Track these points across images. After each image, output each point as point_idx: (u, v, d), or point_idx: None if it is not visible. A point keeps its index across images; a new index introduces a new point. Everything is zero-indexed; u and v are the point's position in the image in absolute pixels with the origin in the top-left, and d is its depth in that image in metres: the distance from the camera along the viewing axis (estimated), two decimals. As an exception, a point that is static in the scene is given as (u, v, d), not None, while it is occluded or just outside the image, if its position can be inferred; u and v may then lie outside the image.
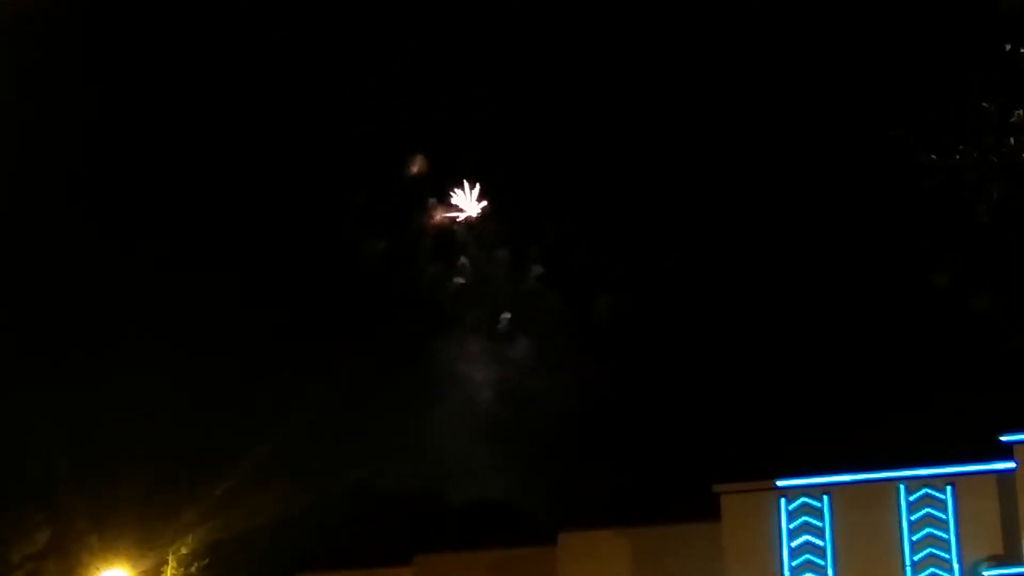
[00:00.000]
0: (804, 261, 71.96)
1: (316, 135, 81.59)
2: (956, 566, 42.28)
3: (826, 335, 70.03)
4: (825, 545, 44.47)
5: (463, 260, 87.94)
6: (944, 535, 42.69)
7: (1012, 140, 17.12)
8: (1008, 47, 17.48)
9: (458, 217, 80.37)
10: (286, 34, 75.42)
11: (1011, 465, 42.63)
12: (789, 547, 44.97)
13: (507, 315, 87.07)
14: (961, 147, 17.59)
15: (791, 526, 45.19)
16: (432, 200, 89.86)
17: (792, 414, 63.55)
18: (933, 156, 17.71)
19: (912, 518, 43.31)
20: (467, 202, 78.45)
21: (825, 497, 45.00)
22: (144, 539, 41.90)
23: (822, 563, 44.34)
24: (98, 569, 37.26)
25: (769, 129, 70.65)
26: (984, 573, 41.61)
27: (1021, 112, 17.17)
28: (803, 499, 45.29)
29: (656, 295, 79.06)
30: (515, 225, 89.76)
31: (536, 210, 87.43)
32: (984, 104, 17.53)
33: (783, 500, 45.53)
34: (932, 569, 42.58)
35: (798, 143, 68.43)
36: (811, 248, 72.69)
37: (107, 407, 55.13)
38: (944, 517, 42.83)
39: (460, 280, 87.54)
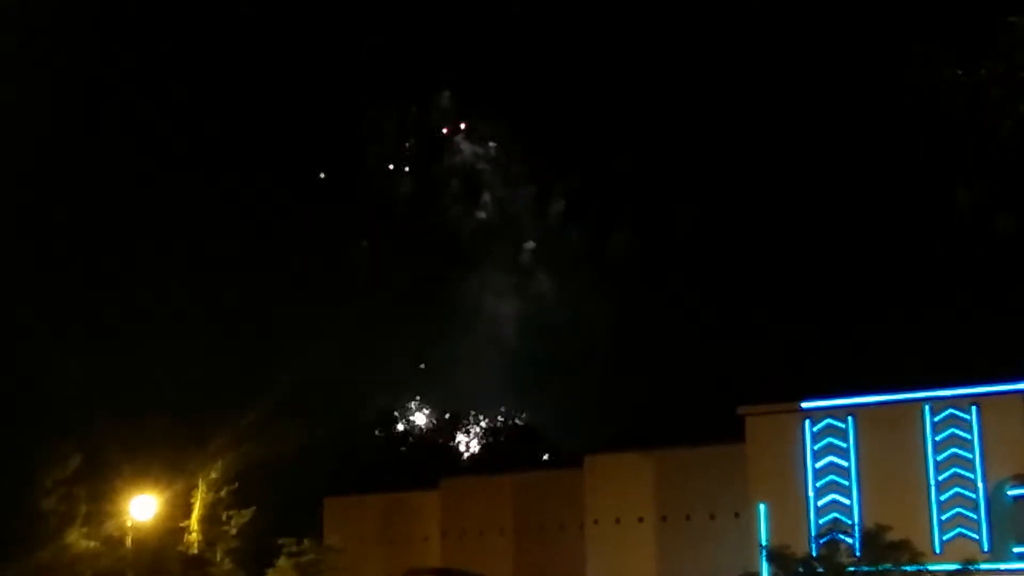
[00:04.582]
0: (824, 183, 71.69)
1: (341, 73, 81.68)
2: (980, 485, 42.31)
3: (850, 258, 69.90)
4: (850, 466, 44.55)
5: (486, 198, 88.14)
6: (969, 455, 42.69)
7: (1041, 55, 16.82)
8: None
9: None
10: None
11: (1036, 385, 42.57)
12: (814, 468, 45.10)
13: (531, 244, 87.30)
14: (988, 62, 17.27)
15: (816, 447, 45.28)
16: (458, 137, 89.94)
17: (817, 336, 63.66)
18: (959, 71, 17.42)
19: (937, 438, 43.30)
20: None
21: (850, 418, 45.00)
22: (174, 465, 42.31)
23: (846, 484, 44.46)
24: (128, 493, 37.73)
25: (789, 52, 70.15)
26: (1009, 492, 41.67)
27: (1051, 26, 16.84)
28: (828, 420, 45.33)
29: (679, 224, 79.12)
30: (539, 164, 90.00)
31: (559, 149, 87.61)
32: (1012, 18, 17.19)
33: (808, 422, 45.59)
34: (956, 489, 42.64)
35: (820, 60, 67.90)
36: (831, 169, 72.42)
37: (137, 337, 55.65)
38: (969, 437, 42.80)
39: (483, 216, 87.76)
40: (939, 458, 43.15)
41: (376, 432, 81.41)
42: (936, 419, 43.44)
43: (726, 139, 76.49)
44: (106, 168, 65.10)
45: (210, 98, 73.29)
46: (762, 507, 44.96)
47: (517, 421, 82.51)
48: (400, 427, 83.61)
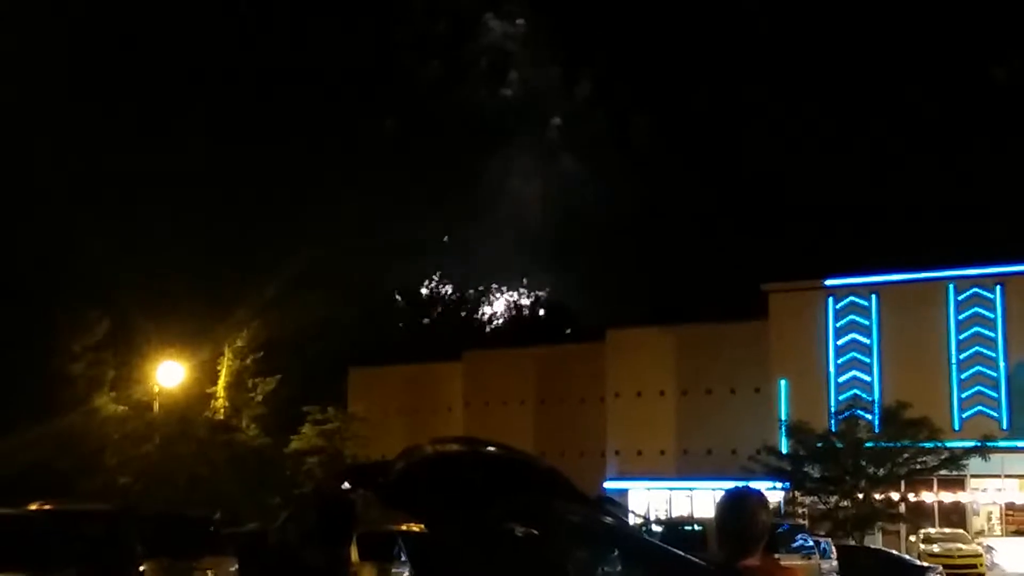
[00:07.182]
0: (854, 53, 70.72)
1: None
2: (1002, 364, 42.38)
3: (878, 129, 69.22)
4: (871, 343, 44.66)
5: (513, 76, 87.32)
6: (991, 334, 42.69)
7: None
8: None
9: None
10: None
11: (1062, 265, 42.38)
12: (835, 345, 45.22)
13: (557, 120, 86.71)
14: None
15: (838, 324, 45.35)
16: (488, 15, 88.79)
17: (842, 213, 63.33)
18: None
19: (960, 317, 43.29)
20: None
21: (873, 296, 44.99)
22: (200, 333, 42.59)
23: (868, 361, 44.60)
24: (155, 360, 38.10)
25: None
26: (1030, 371, 41.78)
27: None
28: (851, 298, 45.33)
29: (703, 104, 78.43)
30: (566, 45, 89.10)
31: (586, 31, 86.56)
32: None
33: (831, 299, 45.59)
34: (978, 367, 42.72)
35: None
36: (861, 39, 71.39)
37: (162, 205, 55.68)
38: (992, 316, 42.77)
39: (508, 92, 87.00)
40: (961, 337, 43.18)
41: (400, 304, 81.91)
42: (960, 298, 43.38)
43: (753, 10, 75.51)
44: (128, 26, 64.84)
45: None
46: (783, 383, 45.23)
47: (540, 294, 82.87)
48: (424, 299, 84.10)
